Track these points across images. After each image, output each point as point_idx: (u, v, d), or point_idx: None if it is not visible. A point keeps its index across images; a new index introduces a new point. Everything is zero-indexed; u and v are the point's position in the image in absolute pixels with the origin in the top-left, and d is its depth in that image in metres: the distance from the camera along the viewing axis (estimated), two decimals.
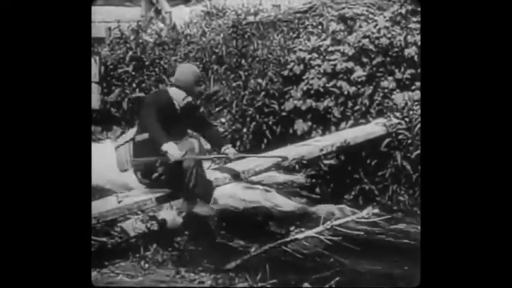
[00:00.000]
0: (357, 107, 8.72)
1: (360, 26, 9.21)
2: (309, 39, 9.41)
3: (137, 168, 5.98)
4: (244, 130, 9.50)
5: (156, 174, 5.93)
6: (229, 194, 7.36)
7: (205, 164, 6.22)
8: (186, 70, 6.16)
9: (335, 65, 8.91)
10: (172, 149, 5.68)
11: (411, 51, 8.72)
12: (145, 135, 5.84)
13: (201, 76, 6.67)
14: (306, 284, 5.32)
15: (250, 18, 11.29)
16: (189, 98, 6.07)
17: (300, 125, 8.92)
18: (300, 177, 8.81)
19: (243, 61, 10.18)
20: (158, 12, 13.25)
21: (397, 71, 8.77)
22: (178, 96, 6.04)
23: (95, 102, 10.74)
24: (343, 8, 9.61)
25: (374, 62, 8.84)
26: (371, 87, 8.77)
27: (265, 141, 9.29)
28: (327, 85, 8.87)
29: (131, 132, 6.13)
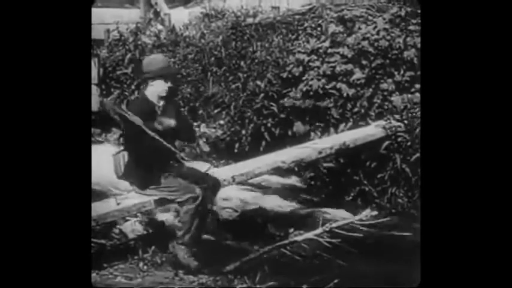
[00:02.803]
0: (356, 109, 8.72)
1: (359, 28, 9.21)
2: (308, 41, 9.41)
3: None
4: (243, 132, 9.50)
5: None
6: (229, 196, 7.36)
7: (204, 167, 6.20)
8: (153, 59, 6.00)
9: (334, 67, 8.91)
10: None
11: (410, 54, 8.73)
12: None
13: (169, 60, 6.52)
14: (305, 286, 5.33)
15: (249, 20, 11.29)
16: (166, 84, 5.91)
17: (299, 127, 8.92)
18: (299, 180, 8.81)
19: (242, 63, 10.17)
20: (157, 14, 13.27)
21: (396, 73, 8.78)
22: (155, 96, 5.84)
23: (94, 104, 10.72)
24: (342, 10, 9.60)
25: (373, 64, 8.85)
26: (370, 89, 8.77)
27: (263, 143, 9.28)
28: (326, 87, 8.87)
29: None
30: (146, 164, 5.73)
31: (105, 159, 6.24)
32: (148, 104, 5.84)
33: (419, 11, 8.34)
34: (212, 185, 5.86)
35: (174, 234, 5.77)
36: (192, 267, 5.61)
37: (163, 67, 5.86)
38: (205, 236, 6.31)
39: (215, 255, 6.02)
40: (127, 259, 5.76)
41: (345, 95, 8.77)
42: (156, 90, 5.84)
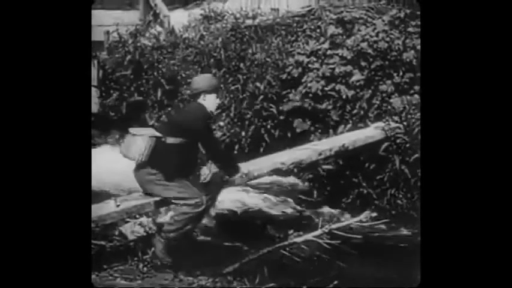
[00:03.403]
0: (355, 111, 8.72)
1: (359, 30, 9.21)
2: (307, 43, 9.42)
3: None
4: (243, 134, 9.50)
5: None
6: (228, 198, 7.35)
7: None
8: (202, 77, 6.21)
9: (333, 69, 8.92)
10: None
11: (409, 55, 8.74)
12: (180, 140, 5.76)
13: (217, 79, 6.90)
14: (304, 287, 5.33)
15: (249, 22, 11.28)
16: (217, 99, 6.05)
17: (300, 124, 8.92)
18: (298, 181, 8.80)
19: (241, 65, 10.16)
20: (156, 15, 13.22)
21: (395, 74, 8.79)
22: (211, 105, 6.00)
23: (93, 106, 10.73)
24: (342, 12, 9.60)
25: (372, 66, 8.85)
26: (369, 91, 8.77)
27: (263, 145, 9.28)
28: (326, 88, 8.87)
29: (149, 130, 5.94)
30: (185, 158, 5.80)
31: (105, 160, 6.25)
32: (204, 110, 5.91)
33: (418, 13, 8.35)
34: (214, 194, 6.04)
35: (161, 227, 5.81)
36: (163, 263, 5.71)
37: (213, 84, 5.98)
38: (205, 238, 6.34)
39: (214, 256, 6.03)
40: (127, 260, 5.76)
41: (344, 96, 8.77)
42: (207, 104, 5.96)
